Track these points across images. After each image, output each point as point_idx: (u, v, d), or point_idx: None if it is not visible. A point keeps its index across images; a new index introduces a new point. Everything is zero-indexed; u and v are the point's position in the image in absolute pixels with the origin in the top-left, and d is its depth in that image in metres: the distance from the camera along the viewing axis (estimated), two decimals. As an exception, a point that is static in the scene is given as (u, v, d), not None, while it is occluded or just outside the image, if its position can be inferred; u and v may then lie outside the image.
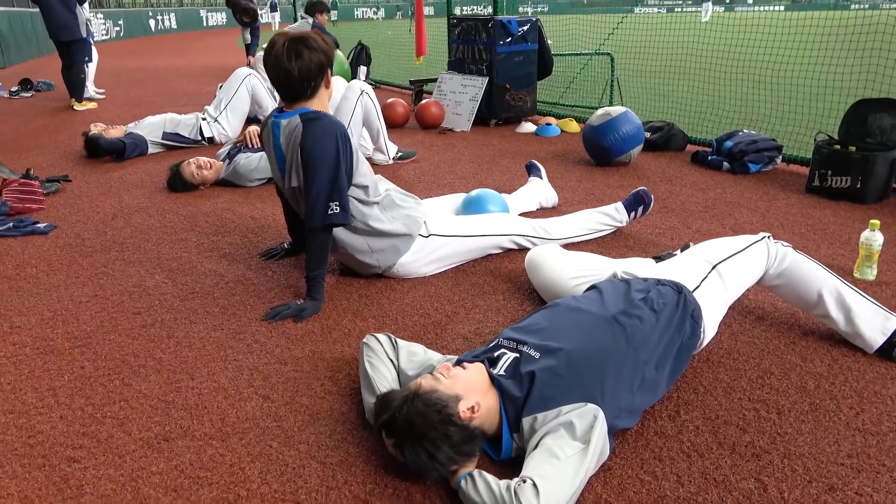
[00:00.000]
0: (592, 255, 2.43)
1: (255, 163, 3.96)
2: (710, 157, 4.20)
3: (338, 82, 4.21)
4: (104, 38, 21.17)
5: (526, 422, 1.51)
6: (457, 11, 6.50)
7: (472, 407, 1.48)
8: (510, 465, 1.52)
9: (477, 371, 1.58)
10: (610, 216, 2.97)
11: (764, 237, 2.05)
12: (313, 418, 1.77)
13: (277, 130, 2.35)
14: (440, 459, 1.43)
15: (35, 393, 1.91)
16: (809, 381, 1.87)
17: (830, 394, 1.81)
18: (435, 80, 6.25)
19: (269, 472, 1.56)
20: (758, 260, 2.02)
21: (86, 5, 7.11)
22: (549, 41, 5.88)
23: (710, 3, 32.27)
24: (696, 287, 1.90)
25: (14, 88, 8.74)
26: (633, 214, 2.98)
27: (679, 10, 43.74)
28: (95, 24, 20.15)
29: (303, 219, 2.41)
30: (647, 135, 4.57)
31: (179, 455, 1.63)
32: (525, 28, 5.49)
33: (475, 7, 38.50)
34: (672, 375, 1.77)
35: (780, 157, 4.09)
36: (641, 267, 2.08)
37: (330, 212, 2.25)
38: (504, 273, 2.68)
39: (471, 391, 1.51)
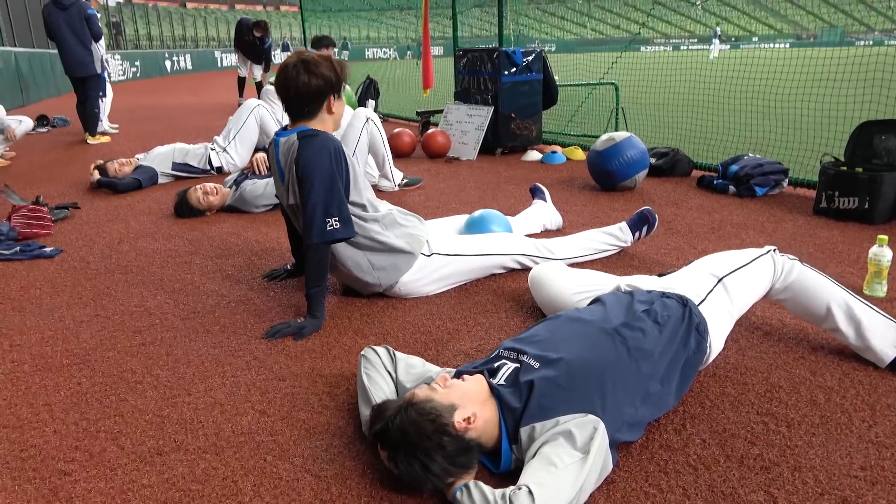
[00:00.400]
0: (596, 271, 2.41)
1: (262, 189, 3.99)
2: (715, 182, 4.18)
3: (344, 113, 4.26)
4: (121, 78, 21.67)
5: (524, 432, 1.46)
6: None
7: (469, 418, 1.44)
8: (509, 478, 1.47)
9: (475, 382, 1.55)
10: (614, 236, 2.95)
11: (769, 250, 2.02)
12: (309, 433, 1.73)
13: (277, 148, 2.37)
14: (434, 471, 1.39)
15: (30, 408, 1.89)
16: (819, 395, 1.82)
17: (842, 407, 1.76)
18: (441, 112, 6.31)
19: (263, 486, 1.53)
20: (764, 273, 1.98)
21: (101, 42, 7.29)
22: (555, 76, 5.96)
23: (717, 41, 32.71)
24: (702, 301, 1.86)
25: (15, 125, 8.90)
26: (637, 234, 2.96)
27: (685, 48, 44.36)
28: (113, 65, 20.67)
29: (299, 229, 2.41)
30: (653, 160, 4.57)
31: (172, 468, 1.60)
32: (530, 58, 5.56)
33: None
34: (679, 391, 1.72)
35: (787, 180, 4.07)
36: (646, 281, 2.05)
37: (329, 227, 2.25)
38: (507, 292, 2.65)
39: (468, 401, 1.47)
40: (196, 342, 2.29)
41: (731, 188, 4.07)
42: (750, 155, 4.20)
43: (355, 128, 3.97)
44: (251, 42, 10.27)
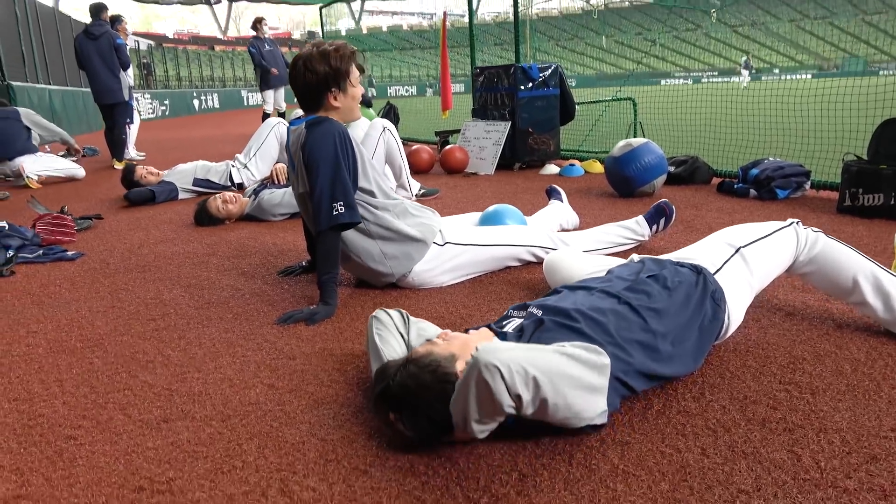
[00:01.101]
0: (614, 258, 2.37)
1: (280, 197, 4.03)
2: (736, 185, 4.13)
3: (362, 121, 4.31)
4: (150, 116, 22.27)
5: None
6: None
7: None
8: (515, 440, 1.43)
9: (479, 334, 1.52)
10: (631, 230, 2.91)
11: (792, 222, 1.96)
12: (317, 403, 1.71)
13: (289, 136, 2.40)
14: (440, 423, 1.35)
15: (42, 384, 1.89)
16: (846, 366, 1.74)
17: (870, 376, 1.68)
18: (459, 131, 6.37)
19: (267, 448, 1.50)
20: (786, 245, 1.92)
21: (129, 70, 7.52)
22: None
23: (747, 71, 32.62)
24: (718, 269, 1.81)
25: (62, 153, 9.17)
26: (654, 228, 2.92)
27: (706, 80, 44.46)
28: (143, 103, 21.31)
29: (311, 225, 2.41)
30: (671, 169, 4.53)
31: (177, 433, 1.58)
32: (546, 73, 5.60)
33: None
34: (695, 355, 1.67)
35: (809, 182, 4.00)
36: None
37: (335, 212, 2.25)
38: (522, 282, 2.61)
39: (469, 350, 1.44)
40: (209, 328, 2.29)
41: (752, 192, 4.01)
42: (770, 159, 4.15)
43: (372, 137, 4.00)
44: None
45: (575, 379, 1.30)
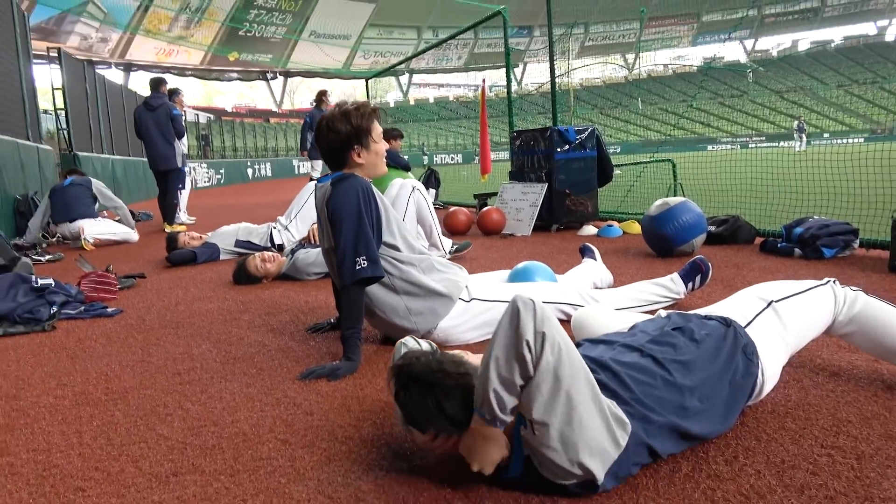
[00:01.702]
0: (643, 315, 2.29)
1: (314, 256, 4.08)
2: (779, 245, 3.99)
3: (395, 182, 4.39)
4: (206, 184, 23.26)
5: None
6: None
7: None
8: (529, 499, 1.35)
9: None
10: (666, 287, 2.82)
11: (829, 281, 1.87)
12: (329, 459, 1.66)
13: (318, 193, 2.44)
14: (447, 412, 1.37)
15: (62, 436, 1.90)
16: (896, 430, 1.61)
17: (923, 442, 1.54)
18: (497, 194, 6.41)
19: (272, 504, 1.45)
20: (822, 303, 1.82)
21: (184, 139, 7.91)
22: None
23: (803, 135, 31.95)
24: (749, 322, 1.72)
25: (117, 218, 9.59)
26: (690, 285, 2.82)
27: (753, 146, 44.05)
28: (200, 172, 22.31)
29: (336, 280, 2.42)
30: (712, 228, 4.43)
31: (184, 487, 1.55)
32: (583, 136, 5.63)
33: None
34: (726, 413, 1.57)
35: (857, 241, 3.84)
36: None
37: (358, 266, 2.25)
38: (550, 340, 2.54)
39: None
40: (232, 382, 2.28)
41: (797, 251, 3.87)
42: (815, 217, 4.01)
43: (402, 197, 4.06)
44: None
45: (596, 398, 1.29)
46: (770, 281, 1.95)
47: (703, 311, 1.82)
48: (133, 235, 7.05)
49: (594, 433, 1.29)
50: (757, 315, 1.73)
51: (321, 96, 9.94)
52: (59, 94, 11.82)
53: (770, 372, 1.68)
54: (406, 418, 1.46)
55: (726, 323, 1.67)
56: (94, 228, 6.78)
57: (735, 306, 1.79)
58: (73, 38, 37.82)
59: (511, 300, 1.30)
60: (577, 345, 1.70)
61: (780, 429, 1.65)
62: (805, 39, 60.27)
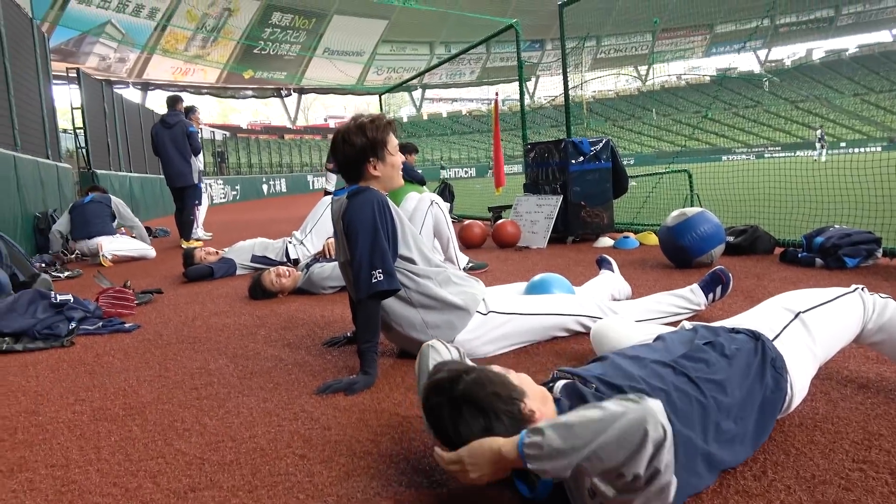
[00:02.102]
0: (665, 327, 2.25)
1: (329, 270, 4.08)
2: (800, 255, 3.93)
3: (411, 195, 4.38)
4: (222, 200, 23.46)
5: None
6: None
7: (534, 411, 1.35)
8: (557, 514, 1.32)
9: (541, 388, 1.46)
10: (686, 298, 2.78)
11: (857, 288, 1.83)
12: (347, 475, 1.63)
13: (333, 207, 2.44)
14: (499, 432, 1.31)
15: (80, 451, 1.90)
16: (930, 444, 1.56)
17: (959, 456, 1.49)
18: (512, 207, 6.39)
19: (291, 520, 1.43)
20: (851, 312, 1.78)
21: (200, 156, 7.98)
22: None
23: (821, 144, 31.49)
24: (777, 335, 1.68)
25: (133, 235, 9.69)
26: (711, 296, 2.78)
27: (768, 156, 43.67)
28: (216, 189, 22.53)
29: (352, 293, 2.40)
30: (730, 239, 4.37)
31: (202, 503, 1.53)
32: (597, 147, 5.61)
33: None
34: (756, 434, 1.52)
35: (881, 250, 3.77)
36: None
37: (374, 280, 2.23)
38: (570, 353, 2.51)
39: (535, 397, 1.40)
40: (249, 397, 2.27)
41: (819, 261, 3.81)
42: (836, 226, 3.95)
43: (420, 211, 4.05)
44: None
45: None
46: (792, 291, 1.91)
47: (728, 323, 1.78)
48: (150, 252, 7.11)
49: None
50: (785, 327, 1.69)
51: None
52: (77, 114, 12.02)
53: (799, 385, 1.64)
54: (441, 435, 1.39)
55: (755, 336, 1.63)
56: (112, 245, 6.85)
57: (761, 318, 1.75)
58: (92, 59, 38.46)
59: (641, 414, 1.11)
60: (602, 358, 1.66)
61: (809, 442, 1.61)
62: (819, 48, 59.94)
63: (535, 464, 1.20)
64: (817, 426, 1.70)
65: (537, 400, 1.40)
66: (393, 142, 2.41)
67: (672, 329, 2.07)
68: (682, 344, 1.65)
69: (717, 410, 1.44)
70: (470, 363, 1.62)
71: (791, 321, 1.72)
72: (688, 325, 1.84)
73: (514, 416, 1.33)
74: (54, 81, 9.75)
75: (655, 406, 1.13)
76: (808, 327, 1.71)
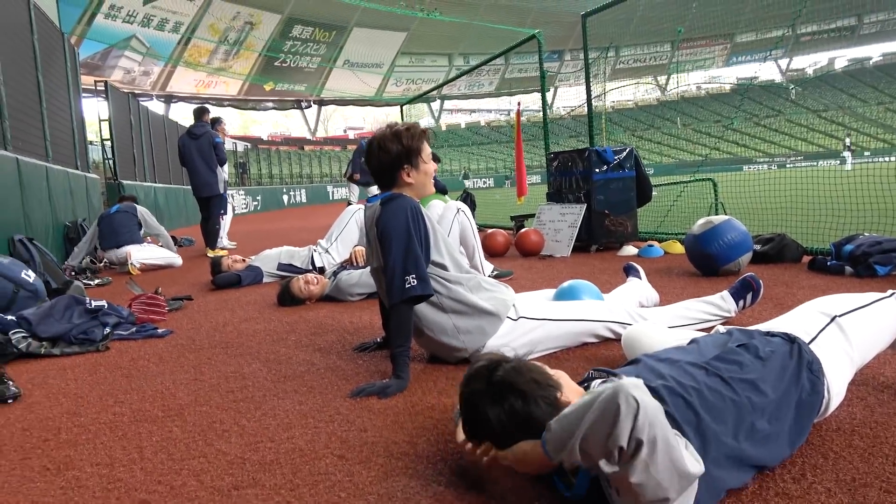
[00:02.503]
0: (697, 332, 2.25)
1: (357, 278, 4.12)
2: (829, 263, 3.90)
3: (437, 203, 4.42)
4: (244, 211, 23.73)
5: None
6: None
7: (570, 402, 1.37)
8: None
9: (576, 385, 1.49)
10: (716, 305, 2.77)
11: (893, 293, 1.83)
12: (387, 475, 1.66)
13: (366, 213, 2.48)
14: (536, 416, 1.38)
15: (123, 451, 1.94)
16: (973, 449, 1.55)
17: None
18: (534, 216, 6.40)
19: (334, 518, 1.46)
20: (888, 316, 1.78)
21: (225, 166, 8.10)
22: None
23: (850, 153, 30.91)
24: (813, 339, 1.68)
25: (160, 244, 9.84)
26: (741, 303, 2.77)
27: (790, 165, 43.21)
28: (238, 199, 22.81)
29: (385, 299, 2.44)
30: (757, 247, 4.35)
31: (246, 501, 1.57)
32: (621, 156, 5.62)
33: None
34: (793, 435, 1.52)
35: (913, 258, 3.73)
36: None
37: (407, 285, 2.27)
38: (600, 358, 2.52)
39: (571, 391, 1.46)
40: (284, 400, 2.31)
41: (848, 269, 3.78)
42: (866, 234, 3.92)
43: (447, 219, 4.08)
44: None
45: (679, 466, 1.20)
46: (827, 296, 1.91)
47: (763, 327, 1.78)
48: (177, 260, 7.22)
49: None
50: (821, 331, 1.69)
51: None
52: (104, 126, 12.26)
53: (836, 389, 1.64)
54: (476, 424, 1.44)
55: (790, 339, 1.64)
56: (140, 254, 6.97)
57: (797, 322, 1.75)
58: (117, 73, 39.23)
59: (613, 390, 1.16)
60: (635, 361, 1.68)
61: (847, 446, 1.61)
62: (842, 57, 59.32)
63: (554, 455, 1.27)
64: (855, 430, 1.69)
65: (573, 394, 1.44)
66: (427, 150, 2.45)
67: (705, 333, 2.09)
68: (716, 346, 1.65)
69: (751, 410, 1.45)
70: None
71: (827, 325, 1.72)
72: (722, 328, 1.85)
73: (550, 402, 1.39)
74: (83, 94, 9.97)
75: (629, 382, 1.18)
76: (844, 331, 1.71)
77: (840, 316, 1.74)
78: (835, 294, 1.88)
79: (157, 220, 7.81)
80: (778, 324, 1.79)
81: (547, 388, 1.41)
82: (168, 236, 7.62)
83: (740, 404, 1.44)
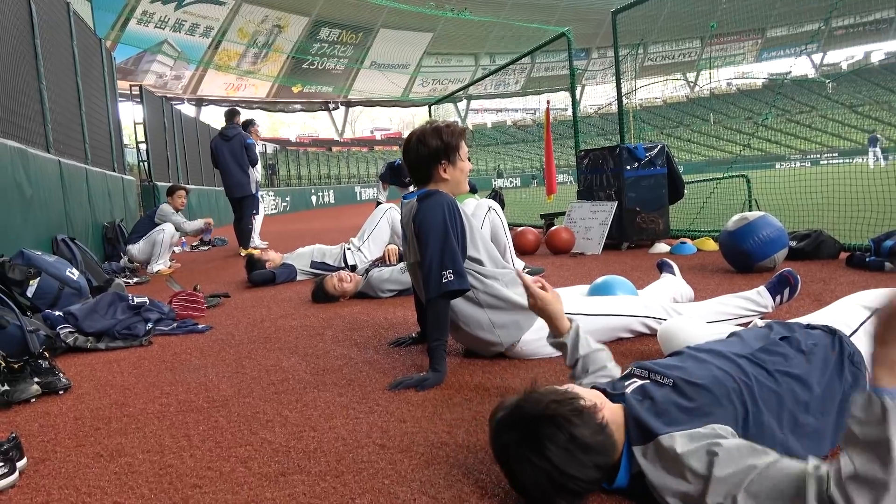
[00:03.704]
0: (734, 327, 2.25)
1: (388, 274, 4.18)
2: (868, 259, 3.84)
3: (468, 202, 4.45)
4: (273, 211, 24.05)
5: (664, 440, 1.33)
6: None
7: (596, 404, 1.37)
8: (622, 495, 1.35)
9: (592, 390, 1.49)
10: (752, 300, 2.75)
11: None
12: (428, 463, 1.70)
13: (403, 209, 2.52)
14: (580, 442, 1.29)
15: (172, 439, 2.01)
16: None
17: None
18: (564, 214, 6.40)
19: (379, 503, 1.50)
20: (931, 311, 1.76)
21: (257, 167, 8.23)
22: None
23: (877, 149, 29.77)
24: (854, 332, 1.68)
25: (195, 243, 10.05)
26: (778, 298, 2.75)
27: (825, 162, 42.31)
28: (267, 200, 23.13)
29: (421, 294, 2.47)
30: (793, 244, 4.30)
31: (293, 486, 1.62)
32: (653, 153, 5.58)
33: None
34: (837, 430, 1.52)
35: (955, 253, 3.65)
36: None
37: (444, 280, 2.30)
38: (636, 353, 2.52)
39: (589, 395, 1.42)
40: (324, 392, 2.36)
41: (888, 265, 3.71)
42: (906, 229, 3.85)
43: (478, 217, 4.10)
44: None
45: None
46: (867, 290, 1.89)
47: (803, 321, 1.78)
48: (186, 226, 7.18)
49: None
50: (861, 324, 1.69)
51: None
52: (139, 129, 12.54)
53: (878, 382, 1.63)
54: (522, 476, 1.35)
55: (831, 331, 1.63)
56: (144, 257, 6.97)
57: (837, 315, 1.75)
58: (150, 77, 40.02)
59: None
60: (676, 353, 1.69)
61: (891, 439, 1.59)
62: (879, 51, 57.82)
63: None
64: (899, 424, 1.68)
65: (594, 397, 1.43)
66: (464, 148, 2.49)
67: (742, 328, 2.08)
68: (758, 339, 1.65)
69: (794, 402, 1.45)
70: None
71: (868, 318, 1.71)
72: (760, 322, 1.85)
73: (578, 411, 1.33)
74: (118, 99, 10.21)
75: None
76: (886, 324, 1.70)
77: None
78: (875, 288, 1.87)
79: (189, 220, 7.88)
80: (817, 317, 1.79)
81: (568, 402, 1.34)
82: (175, 223, 7.34)
83: (782, 395, 1.45)
